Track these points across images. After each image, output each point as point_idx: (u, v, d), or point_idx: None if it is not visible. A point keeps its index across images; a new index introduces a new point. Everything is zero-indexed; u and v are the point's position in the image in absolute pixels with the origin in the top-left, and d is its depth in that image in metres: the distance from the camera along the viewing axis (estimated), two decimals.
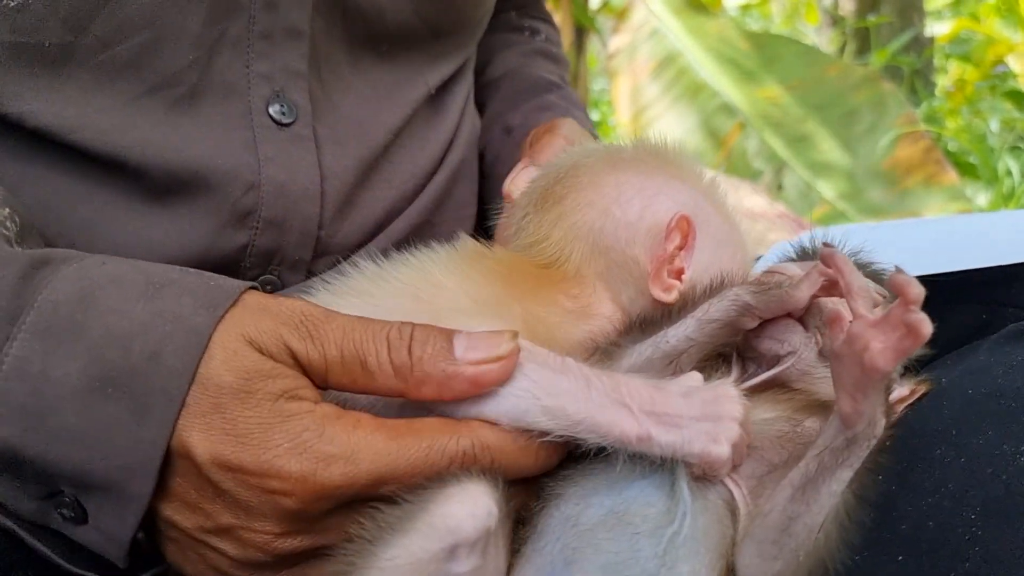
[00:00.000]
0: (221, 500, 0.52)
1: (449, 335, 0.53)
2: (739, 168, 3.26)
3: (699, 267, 0.62)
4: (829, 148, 3.16)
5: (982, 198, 2.99)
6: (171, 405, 0.51)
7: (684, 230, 0.62)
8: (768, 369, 0.59)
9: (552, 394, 0.52)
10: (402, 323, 0.53)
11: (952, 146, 3.47)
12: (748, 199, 2.60)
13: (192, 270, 0.56)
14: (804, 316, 0.59)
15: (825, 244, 0.54)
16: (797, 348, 0.59)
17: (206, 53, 0.69)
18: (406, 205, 0.84)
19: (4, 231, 0.57)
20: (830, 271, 0.54)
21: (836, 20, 4.84)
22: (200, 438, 0.51)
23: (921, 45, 4.64)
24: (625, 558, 0.53)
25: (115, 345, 0.51)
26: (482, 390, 0.53)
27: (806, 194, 3.04)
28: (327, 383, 0.53)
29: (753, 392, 0.58)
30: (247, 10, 0.70)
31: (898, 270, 0.48)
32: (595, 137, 0.86)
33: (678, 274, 0.62)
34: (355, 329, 0.53)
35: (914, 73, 4.28)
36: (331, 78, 0.78)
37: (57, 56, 0.64)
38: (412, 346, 0.53)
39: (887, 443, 0.51)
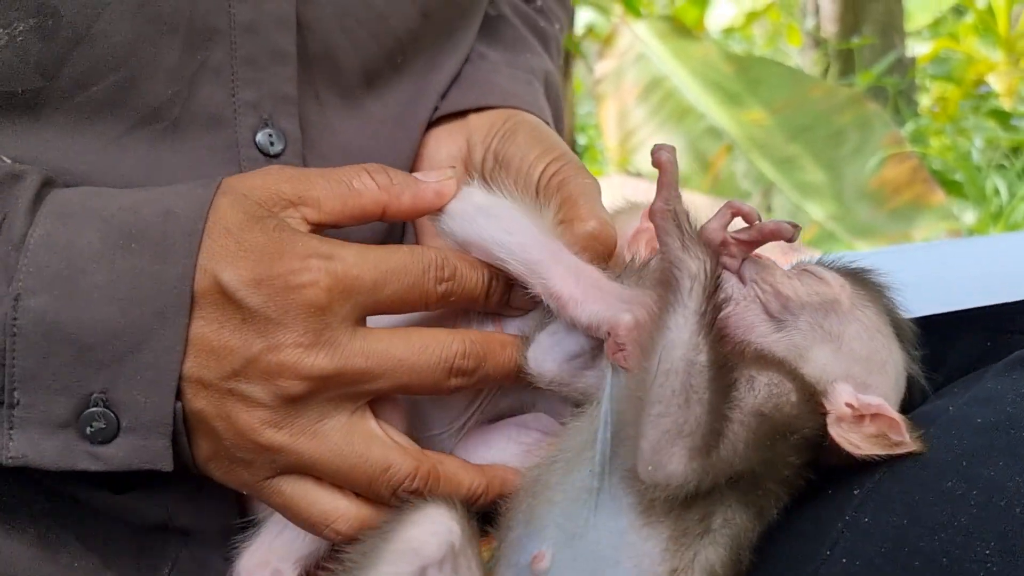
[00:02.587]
0: (248, 324, 0.56)
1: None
2: (727, 190, 3.27)
3: None
4: (816, 169, 3.18)
5: (969, 216, 3.01)
6: (191, 240, 0.56)
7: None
8: None
9: (527, 237, 0.62)
10: (368, 163, 0.65)
11: (937, 165, 3.49)
12: (737, 221, 2.60)
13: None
14: (741, 269, 0.60)
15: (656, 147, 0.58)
16: (730, 295, 0.60)
17: (186, 85, 0.67)
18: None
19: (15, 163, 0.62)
20: (738, 206, 0.59)
21: (818, 42, 4.89)
22: (224, 265, 0.56)
23: (903, 66, 4.69)
24: (571, 496, 0.56)
25: (128, 212, 0.58)
26: (444, 200, 0.64)
27: (795, 215, 3.05)
28: (320, 212, 0.61)
29: None
30: (227, 36, 0.68)
31: (655, 146, 0.58)
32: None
33: (652, 250, 0.70)
34: (334, 169, 0.64)
35: (898, 94, 4.32)
36: (335, 100, 0.76)
37: (32, 102, 0.63)
38: (388, 171, 0.64)
39: (717, 290, 0.54)
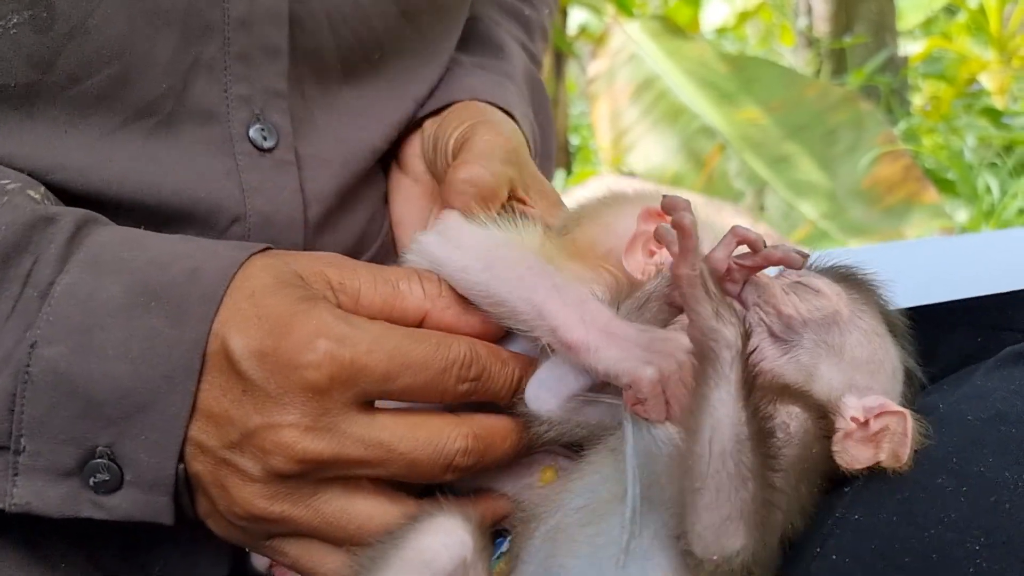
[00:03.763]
0: (248, 396, 0.55)
1: None
2: (721, 190, 3.28)
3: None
4: (810, 168, 3.19)
5: (962, 214, 3.02)
6: (209, 306, 0.56)
7: (654, 213, 0.67)
8: None
9: (527, 279, 0.59)
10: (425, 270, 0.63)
11: (930, 164, 3.50)
12: (731, 220, 2.61)
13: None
14: (742, 295, 0.59)
15: (664, 198, 0.56)
16: (759, 349, 0.58)
17: (180, 79, 0.67)
18: (378, 229, 0.83)
19: (48, 200, 0.62)
20: (744, 233, 0.57)
21: (811, 41, 4.90)
22: (235, 330, 0.55)
23: (895, 65, 4.70)
24: (596, 548, 0.54)
25: (157, 267, 0.57)
26: (489, 333, 0.62)
27: (788, 214, 3.05)
28: (358, 306, 0.60)
29: None
30: (221, 31, 0.68)
31: (664, 196, 0.55)
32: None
33: (651, 253, 0.67)
34: (384, 268, 0.63)
35: (890, 93, 4.33)
36: (316, 95, 0.76)
37: (25, 96, 0.63)
38: (440, 282, 0.62)
39: (751, 356, 0.51)
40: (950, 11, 5.73)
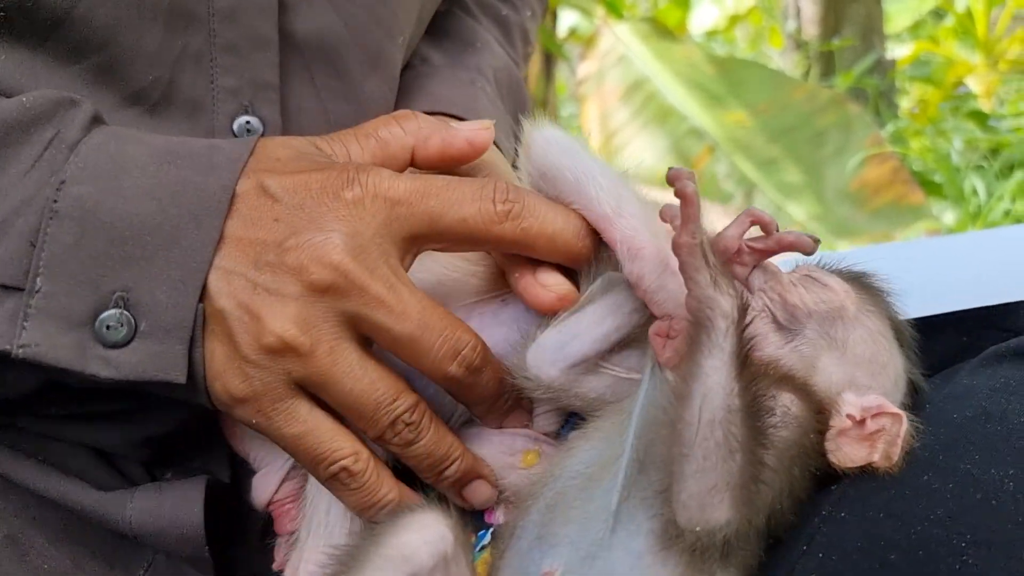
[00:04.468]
0: (281, 223, 0.56)
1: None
2: (709, 191, 3.28)
3: None
4: (798, 170, 3.20)
5: (949, 216, 3.03)
6: (235, 163, 0.58)
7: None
8: None
9: (611, 178, 0.60)
10: (402, 111, 0.66)
11: (917, 166, 3.52)
12: (719, 222, 2.61)
13: None
14: (748, 279, 0.58)
15: (670, 170, 0.56)
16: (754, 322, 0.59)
17: (167, 71, 0.66)
18: None
19: None
20: (757, 215, 0.57)
21: (800, 44, 4.91)
22: (269, 173, 0.58)
23: (883, 68, 4.72)
24: (588, 512, 0.54)
25: (177, 143, 0.60)
26: (478, 150, 0.65)
27: (776, 216, 3.04)
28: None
29: None
30: (206, 23, 0.67)
31: (670, 168, 0.55)
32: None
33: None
34: (365, 124, 0.66)
35: (878, 95, 4.35)
36: (333, 84, 0.74)
37: (6, 77, 0.62)
38: (420, 117, 0.65)
39: (747, 328, 0.51)
40: (937, 15, 5.76)
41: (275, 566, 0.64)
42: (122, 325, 0.54)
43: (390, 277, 0.56)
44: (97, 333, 0.54)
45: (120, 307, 0.54)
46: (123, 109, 0.65)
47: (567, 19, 5.17)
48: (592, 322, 0.59)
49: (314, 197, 0.57)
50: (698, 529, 0.50)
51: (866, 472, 0.55)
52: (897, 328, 0.61)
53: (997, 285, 0.73)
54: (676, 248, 0.53)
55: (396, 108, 0.80)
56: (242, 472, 0.69)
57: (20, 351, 0.53)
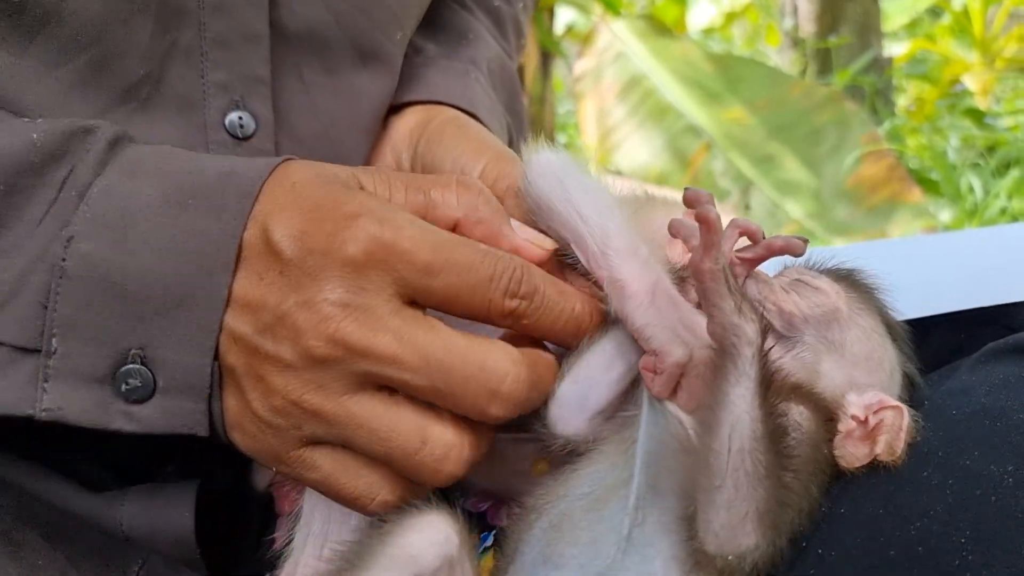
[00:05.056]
0: (285, 277, 0.53)
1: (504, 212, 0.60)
2: (706, 188, 3.27)
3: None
4: (795, 167, 3.20)
5: (945, 214, 3.04)
6: (246, 199, 0.55)
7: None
8: None
9: (611, 218, 0.58)
10: (467, 178, 0.61)
11: (913, 164, 3.52)
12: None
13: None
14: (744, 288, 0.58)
15: (687, 189, 0.55)
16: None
17: (158, 65, 0.65)
18: None
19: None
20: (744, 225, 0.56)
21: (797, 42, 4.91)
22: (275, 215, 0.55)
23: (880, 65, 4.73)
24: (597, 535, 0.53)
25: (193, 172, 0.57)
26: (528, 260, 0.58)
27: (773, 213, 3.07)
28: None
29: None
30: (196, 16, 0.66)
31: (686, 189, 0.54)
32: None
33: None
34: (420, 176, 0.61)
35: (875, 93, 4.35)
36: (320, 80, 0.73)
37: (2, 80, 0.61)
38: (482, 191, 0.60)
39: (769, 352, 0.50)
40: (934, 13, 5.76)
41: (276, 547, 0.64)
42: (141, 380, 0.54)
43: (400, 328, 0.53)
44: (117, 389, 0.54)
45: (137, 363, 0.54)
46: (115, 107, 0.64)
47: (564, 16, 5.17)
48: (603, 367, 0.58)
49: (318, 250, 0.53)
50: (730, 557, 0.50)
51: (870, 467, 0.55)
52: (888, 323, 0.61)
53: (993, 284, 0.73)
54: (698, 274, 0.51)
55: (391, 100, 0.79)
56: (239, 468, 0.69)
57: (43, 414, 0.53)
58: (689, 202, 0.53)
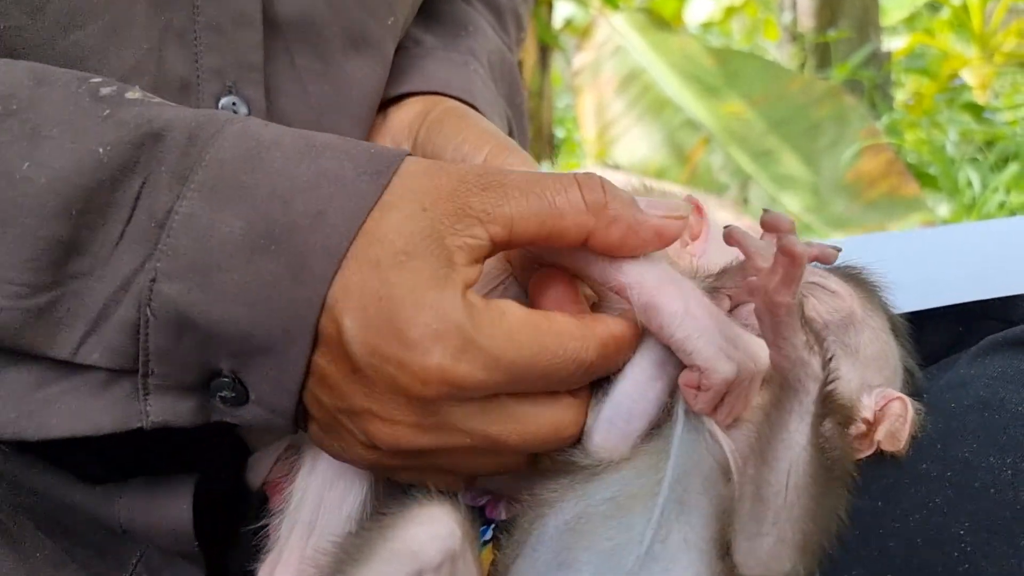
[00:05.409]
0: (358, 378, 0.51)
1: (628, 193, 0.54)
2: (705, 182, 3.28)
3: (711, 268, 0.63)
4: (793, 162, 3.20)
5: (944, 209, 3.04)
6: (329, 264, 0.50)
7: (694, 204, 0.66)
8: None
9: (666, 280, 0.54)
10: (586, 172, 0.54)
11: (912, 158, 3.52)
12: (715, 214, 2.61)
13: (350, 139, 0.56)
14: None
15: (725, 226, 0.53)
16: None
17: (156, 45, 0.64)
18: None
19: (153, 101, 0.56)
20: (822, 252, 0.54)
21: (795, 36, 4.91)
22: (351, 308, 0.50)
23: (879, 60, 4.72)
24: (619, 543, 0.52)
25: (278, 203, 0.51)
26: (663, 243, 0.54)
27: (771, 207, 3.05)
28: (511, 235, 0.52)
29: None
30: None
31: (765, 211, 0.50)
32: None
33: (693, 236, 0.66)
34: (539, 176, 0.53)
35: (873, 87, 4.35)
36: (312, 66, 0.72)
37: (14, 43, 0.60)
38: (604, 185, 0.53)
39: (831, 387, 0.49)
40: (933, 7, 5.75)
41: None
42: (235, 392, 0.54)
43: (472, 426, 0.53)
44: (213, 395, 0.55)
45: (230, 378, 0.54)
46: (125, 82, 0.64)
47: (563, 10, 5.16)
48: (642, 389, 0.56)
49: (385, 371, 0.50)
50: (763, 574, 0.50)
51: (871, 459, 0.55)
52: (892, 320, 0.62)
53: (991, 278, 0.73)
54: (773, 307, 0.49)
55: (387, 89, 0.78)
56: (237, 462, 0.69)
57: (152, 425, 0.54)
58: (770, 228, 0.50)
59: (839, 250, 0.54)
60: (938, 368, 0.66)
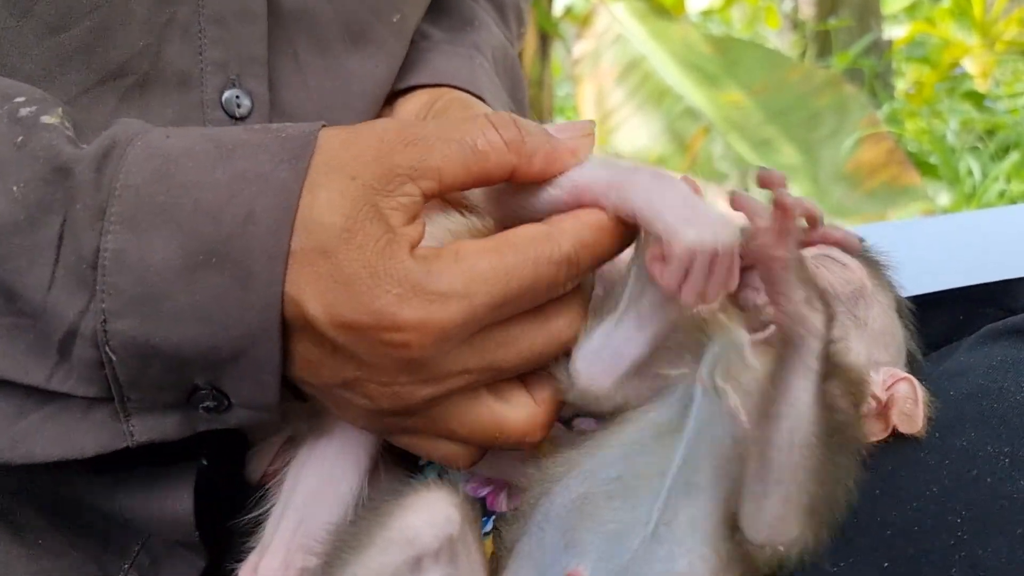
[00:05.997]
0: (341, 356, 0.51)
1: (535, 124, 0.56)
2: (704, 171, 3.28)
3: None
4: (793, 151, 3.20)
5: (944, 197, 3.04)
6: (273, 266, 0.50)
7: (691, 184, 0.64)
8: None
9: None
10: (495, 112, 0.55)
11: (912, 147, 3.52)
12: (715, 201, 2.61)
13: (255, 126, 0.55)
14: None
15: (732, 192, 0.53)
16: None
17: (156, 39, 0.64)
18: None
19: (66, 131, 0.55)
20: (812, 211, 0.53)
21: (796, 24, 4.90)
22: (311, 295, 0.50)
23: (879, 49, 4.71)
24: (623, 526, 0.52)
25: (205, 217, 0.50)
26: (578, 162, 0.55)
27: (772, 197, 3.06)
28: (441, 185, 0.52)
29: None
30: None
31: (761, 168, 0.50)
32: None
33: None
34: (454, 122, 0.54)
35: (874, 76, 4.34)
36: (314, 60, 0.72)
37: (1, 44, 0.60)
38: (517, 122, 0.54)
39: (834, 345, 0.49)
40: None
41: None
42: (216, 401, 0.54)
43: (467, 361, 0.53)
44: (195, 408, 0.55)
45: (209, 389, 0.54)
46: (112, 80, 0.63)
47: None
48: (638, 325, 0.55)
49: (365, 343, 0.50)
50: (780, 548, 0.50)
51: (882, 443, 0.55)
52: (898, 301, 0.62)
53: (991, 264, 0.73)
54: (769, 261, 0.49)
55: (396, 82, 0.79)
56: (238, 453, 0.69)
57: (137, 444, 0.55)
58: (763, 183, 0.50)
59: (862, 240, 0.54)
60: (937, 356, 0.66)
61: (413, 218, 0.52)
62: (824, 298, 0.49)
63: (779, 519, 0.50)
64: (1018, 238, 0.82)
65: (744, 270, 0.55)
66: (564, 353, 0.55)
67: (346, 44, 0.74)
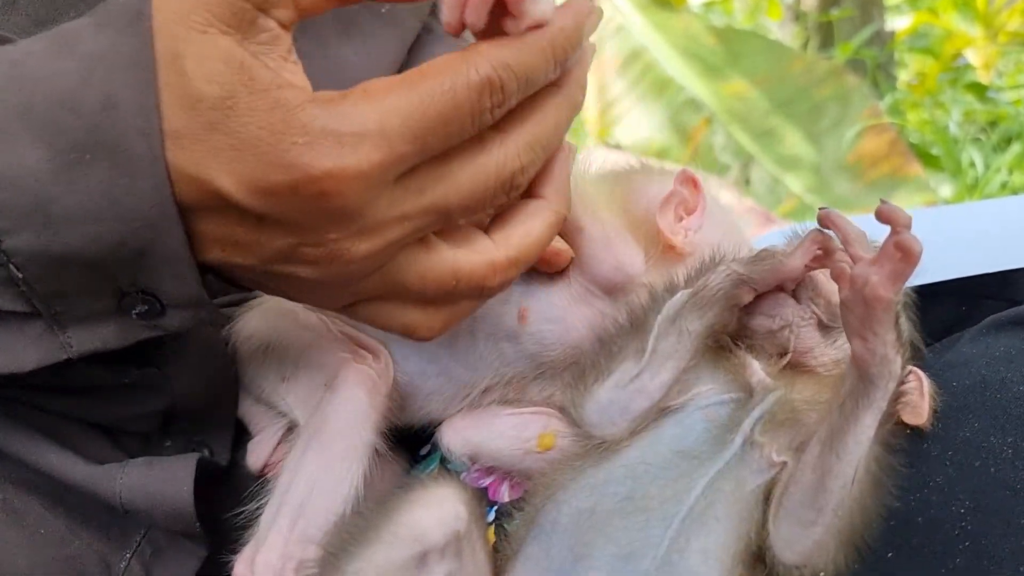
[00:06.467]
0: (268, 226, 0.48)
1: None
2: (706, 163, 3.27)
3: (707, 244, 0.64)
4: (795, 142, 3.19)
5: (946, 189, 3.03)
6: (151, 142, 0.46)
7: (690, 178, 0.66)
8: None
9: None
10: None
11: (915, 138, 3.50)
12: (716, 193, 2.60)
13: (91, 9, 0.50)
14: (796, 290, 0.58)
15: (821, 208, 0.54)
16: (790, 321, 0.58)
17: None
18: None
19: None
20: (823, 239, 0.54)
21: (798, 15, 4.87)
22: (215, 168, 0.46)
23: (882, 39, 4.69)
24: (634, 548, 0.52)
25: (63, 110, 0.46)
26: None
27: (773, 188, 3.05)
28: (296, 10, 0.48)
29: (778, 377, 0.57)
30: None
31: (883, 202, 0.49)
32: None
33: (689, 211, 0.66)
34: None
35: (876, 67, 4.32)
36: (311, 50, 0.70)
37: None
38: None
39: (903, 386, 0.50)
40: None
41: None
42: (147, 304, 0.52)
43: (405, 209, 0.49)
44: (128, 314, 0.53)
45: (136, 292, 0.52)
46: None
47: None
48: (655, 375, 0.56)
49: (291, 203, 0.47)
50: (805, 564, 0.51)
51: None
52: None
53: (993, 255, 0.73)
54: (874, 300, 0.49)
55: (401, 71, 0.79)
56: (238, 442, 0.69)
57: (78, 355, 0.53)
58: (886, 220, 0.49)
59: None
60: (940, 347, 0.66)
61: (287, 54, 0.48)
62: (905, 341, 0.50)
63: (818, 547, 0.50)
64: (1021, 229, 0.81)
65: (758, 297, 0.56)
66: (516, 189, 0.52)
67: (338, 34, 0.74)
